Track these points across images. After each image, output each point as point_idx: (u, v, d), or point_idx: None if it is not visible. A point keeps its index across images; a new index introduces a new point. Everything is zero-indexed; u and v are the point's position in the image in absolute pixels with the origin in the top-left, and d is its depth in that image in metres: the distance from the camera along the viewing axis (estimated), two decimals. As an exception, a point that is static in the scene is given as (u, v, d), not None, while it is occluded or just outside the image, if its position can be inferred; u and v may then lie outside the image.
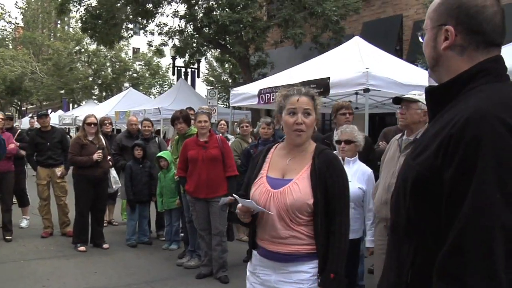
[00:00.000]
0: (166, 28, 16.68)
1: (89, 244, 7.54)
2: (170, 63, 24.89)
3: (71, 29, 35.41)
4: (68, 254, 7.18)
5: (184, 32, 16.17)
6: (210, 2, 15.21)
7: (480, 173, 1.25)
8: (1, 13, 39.13)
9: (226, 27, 13.84)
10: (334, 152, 4.38)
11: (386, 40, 13.38)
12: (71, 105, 35.97)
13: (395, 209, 1.59)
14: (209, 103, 14.07)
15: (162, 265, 6.76)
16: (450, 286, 1.28)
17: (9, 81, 36.64)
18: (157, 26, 16.80)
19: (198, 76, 24.46)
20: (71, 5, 17.43)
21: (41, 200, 8.33)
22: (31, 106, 49.47)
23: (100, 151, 7.40)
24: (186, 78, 21.13)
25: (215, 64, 30.29)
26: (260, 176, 2.76)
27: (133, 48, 36.71)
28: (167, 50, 19.11)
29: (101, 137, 7.74)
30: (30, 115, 27.90)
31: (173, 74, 23.23)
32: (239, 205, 2.65)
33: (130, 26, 18.19)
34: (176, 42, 17.00)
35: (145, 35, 17.64)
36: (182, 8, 16.15)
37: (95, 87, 34.38)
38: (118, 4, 16.21)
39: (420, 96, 3.90)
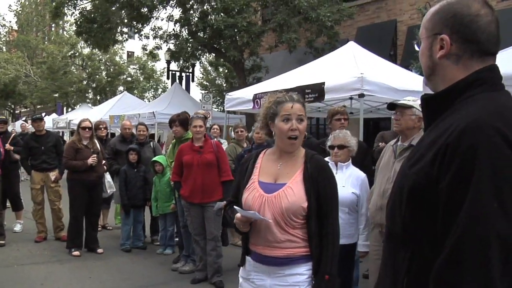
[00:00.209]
0: (160, 32, 16.68)
1: (84, 248, 7.50)
2: (164, 67, 24.88)
3: (65, 33, 35.34)
4: (62, 259, 7.15)
5: (179, 36, 16.18)
6: (205, 7, 15.22)
7: (476, 182, 1.26)
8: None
9: (221, 32, 13.86)
10: (327, 158, 4.43)
11: (380, 45, 13.43)
12: (65, 108, 35.86)
13: (390, 217, 1.60)
14: (203, 107, 14.07)
15: (157, 270, 6.75)
16: None
17: (3, 84, 36.48)
18: (152, 30, 16.80)
19: (193, 80, 24.45)
20: (65, 8, 17.40)
21: (35, 204, 8.29)
22: (25, 110, 49.28)
23: (95, 155, 7.37)
24: (180, 82, 21.11)
25: (209, 68, 30.29)
26: (252, 182, 2.78)
27: (127, 51, 36.68)
28: (162, 54, 19.10)
29: (96, 141, 7.72)
30: (23, 118, 27.77)
31: (168, 78, 23.21)
32: (238, 215, 2.67)
33: (125, 30, 18.17)
34: (171, 46, 17.01)
35: (140, 39, 17.61)
36: (177, 13, 16.18)
37: (90, 91, 34.32)
38: (113, 8, 16.19)
39: (414, 102, 3.92)
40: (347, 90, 7.38)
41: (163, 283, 6.22)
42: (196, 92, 27.81)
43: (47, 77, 32.82)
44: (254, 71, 16.65)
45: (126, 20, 16.76)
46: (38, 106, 41.44)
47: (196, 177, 5.99)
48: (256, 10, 15.21)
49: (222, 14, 14.28)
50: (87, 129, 7.51)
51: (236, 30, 13.96)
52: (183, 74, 22.46)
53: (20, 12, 40.66)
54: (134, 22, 16.64)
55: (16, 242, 8.04)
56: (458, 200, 1.28)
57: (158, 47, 17.38)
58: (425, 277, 1.36)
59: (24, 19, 40.39)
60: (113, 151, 8.36)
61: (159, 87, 36.78)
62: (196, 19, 15.20)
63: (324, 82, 7.60)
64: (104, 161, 7.70)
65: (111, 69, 33.47)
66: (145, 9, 16.04)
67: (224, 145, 8.21)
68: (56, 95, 33.74)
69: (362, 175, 4.43)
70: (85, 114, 19.38)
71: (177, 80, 21.35)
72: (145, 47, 18.64)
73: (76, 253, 7.28)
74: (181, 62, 17.96)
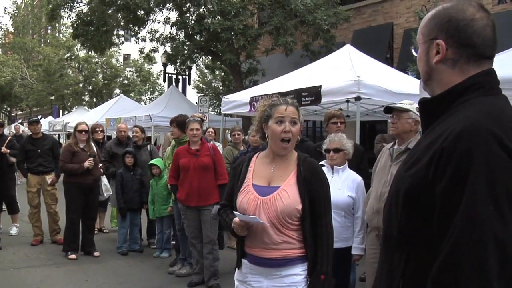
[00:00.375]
0: (157, 35, 16.67)
1: (80, 252, 7.49)
2: (161, 70, 24.89)
3: (61, 36, 35.28)
4: (58, 262, 7.13)
5: (175, 39, 16.17)
6: (202, 10, 15.22)
7: (472, 185, 1.27)
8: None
9: (218, 35, 13.86)
10: (324, 161, 4.44)
11: (376, 48, 13.46)
12: (61, 111, 35.78)
13: (387, 220, 1.61)
14: (200, 110, 14.06)
15: (154, 273, 6.74)
16: None
17: (-1, 87, 36.43)
18: (148, 32, 16.79)
19: (189, 83, 24.43)
20: (62, 11, 17.39)
21: (31, 207, 8.27)
22: (21, 112, 49.16)
23: (91, 158, 7.36)
24: (177, 85, 21.09)
25: (205, 71, 30.29)
26: (246, 185, 2.82)
27: (124, 54, 36.64)
28: (158, 57, 19.08)
29: (92, 144, 7.71)
30: (19, 121, 27.66)
31: (164, 81, 23.19)
32: (236, 219, 2.71)
33: (121, 32, 18.15)
34: (167, 49, 16.99)
35: (136, 42, 17.59)
36: (173, 15, 16.17)
37: (86, 93, 34.22)
38: (110, 11, 16.17)
39: (411, 105, 3.94)
40: (343, 93, 7.39)
41: (159, 286, 6.21)
42: (192, 95, 27.78)
43: (43, 80, 32.72)
44: (251, 74, 16.66)
45: (122, 23, 16.73)
46: (34, 109, 41.36)
47: (192, 181, 5.99)
48: (252, 13, 15.22)
49: (218, 17, 14.28)
50: (83, 132, 7.50)
51: (232, 33, 13.96)
52: (180, 77, 22.45)
53: (15, 14, 40.54)
54: (131, 25, 16.62)
55: (12, 245, 8.01)
56: (454, 203, 1.29)
57: (155, 50, 17.36)
58: (420, 280, 1.37)
59: (20, 22, 40.28)
60: (109, 154, 8.36)
61: (155, 90, 36.74)
62: (192, 22, 15.20)
63: (320, 85, 7.62)
64: (100, 164, 7.69)
65: (108, 72, 33.41)
66: (142, 12, 16.03)
67: (219, 148, 8.20)
68: (52, 97, 33.68)
69: (358, 178, 4.43)
70: (81, 116, 19.35)
71: (174, 83, 21.33)
72: (142, 50, 18.62)
73: (73, 256, 7.26)
74: (177, 64, 17.94)
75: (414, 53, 1.65)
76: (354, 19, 14.91)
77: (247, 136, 8.15)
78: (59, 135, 25.11)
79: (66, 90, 32.75)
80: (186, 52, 15.71)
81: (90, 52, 22.82)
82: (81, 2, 16.98)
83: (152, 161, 7.43)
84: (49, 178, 8.19)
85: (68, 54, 31.80)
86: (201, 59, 20.18)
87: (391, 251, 1.55)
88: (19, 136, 15.39)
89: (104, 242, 8.39)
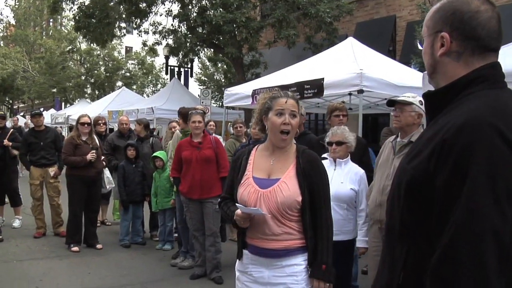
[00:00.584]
0: (160, 27, 16.65)
1: (83, 244, 7.52)
2: (163, 63, 24.85)
3: (63, 28, 35.23)
4: (61, 254, 7.16)
5: (178, 32, 16.14)
6: (204, 2, 15.19)
7: (472, 178, 1.27)
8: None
9: (220, 27, 13.84)
10: (326, 154, 4.43)
11: (379, 40, 13.42)
12: (63, 104, 35.79)
13: (390, 212, 1.61)
14: (202, 102, 14.06)
15: (156, 265, 6.76)
16: None
17: (1, 79, 36.43)
18: (151, 25, 16.76)
19: (192, 76, 24.41)
20: (64, 3, 17.36)
21: (34, 200, 8.29)
22: (23, 105, 49.20)
23: (94, 151, 7.37)
24: (179, 78, 21.09)
25: (208, 63, 30.24)
26: (246, 177, 2.86)
27: (126, 47, 36.60)
28: (160, 50, 19.07)
29: (95, 137, 7.71)
30: (21, 113, 27.68)
31: (166, 73, 23.17)
32: (238, 211, 2.75)
33: (123, 25, 18.13)
34: (170, 41, 16.97)
35: (139, 34, 17.57)
36: (175, 8, 16.13)
37: (88, 86, 34.24)
38: (112, 3, 16.15)
39: (414, 98, 3.92)
40: (346, 86, 7.38)
41: (162, 279, 6.23)
42: (194, 88, 27.77)
43: (45, 72, 32.74)
44: (253, 66, 16.63)
45: (124, 15, 16.71)
46: (36, 102, 41.37)
47: (194, 173, 6.00)
48: (255, 5, 15.18)
49: (221, 9, 14.26)
50: (86, 125, 7.50)
51: (234, 26, 13.93)
52: (182, 70, 22.43)
53: (17, 7, 40.46)
54: (133, 17, 16.61)
55: (15, 237, 8.04)
56: (453, 196, 1.29)
57: (158, 43, 17.33)
58: (421, 272, 1.37)
59: (22, 14, 40.21)
60: (111, 147, 8.37)
61: (158, 82, 36.72)
62: (194, 14, 15.17)
63: (323, 78, 7.60)
64: (103, 157, 7.70)
65: (110, 65, 33.40)
66: (144, 4, 16.02)
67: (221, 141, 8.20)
68: (54, 90, 33.67)
69: (360, 171, 4.43)
70: (83, 109, 19.38)
71: (176, 76, 21.32)
72: (145, 42, 18.60)
73: (75, 248, 7.28)
74: (179, 57, 17.93)
75: (420, 47, 1.65)
76: (357, 11, 14.86)
77: (249, 128, 8.15)
78: (61, 127, 25.11)
79: (68, 82, 32.78)
80: (188, 44, 15.69)
81: (92, 45, 22.81)
82: (83, -5, 16.97)
83: (155, 154, 7.44)
84: (52, 170, 8.20)
85: (70, 47, 31.77)
86: (203, 52, 20.15)
87: (393, 243, 1.55)
88: (18, 128, 15.43)
89: (107, 234, 8.41)
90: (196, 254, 6.33)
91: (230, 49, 14.28)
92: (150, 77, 36.33)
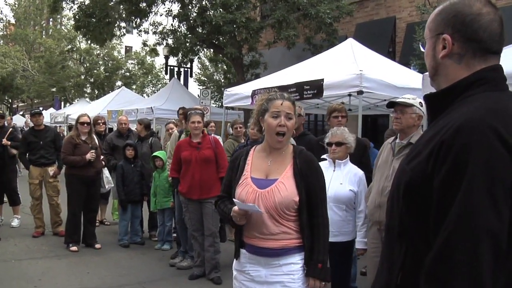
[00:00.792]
0: (160, 28, 16.65)
1: (81, 244, 7.51)
2: (163, 63, 24.87)
3: (63, 28, 35.22)
4: (60, 254, 7.15)
5: (177, 32, 16.14)
6: (204, 2, 15.18)
7: (469, 179, 1.27)
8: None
9: (220, 27, 13.83)
10: (325, 155, 4.44)
11: (379, 42, 13.42)
12: (62, 103, 35.78)
13: (389, 213, 1.62)
14: (201, 103, 14.06)
15: (155, 265, 6.76)
16: None
17: (1, 78, 36.41)
18: (150, 25, 16.76)
19: (191, 76, 24.42)
20: (64, 2, 17.36)
21: (33, 199, 8.27)
22: (22, 104, 49.17)
23: (93, 150, 7.36)
24: (178, 78, 21.09)
25: (207, 63, 30.26)
26: (244, 177, 2.90)
27: (125, 46, 36.60)
28: (160, 50, 19.08)
29: (94, 136, 7.70)
30: (20, 113, 27.66)
31: (166, 73, 23.16)
32: (235, 208, 2.79)
33: (123, 24, 18.12)
34: (169, 41, 16.97)
35: (138, 34, 17.57)
36: (175, 8, 16.14)
37: (87, 85, 34.24)
38: (111, 3, 16.15)
39: (414, 100, 3.92)
40: (346, 87, 7.38)
41: (161, 279, 6.23)
42: (194, 88, 27.78)
43: (44, 72, 32.75)
44: (253, 67, 16.63)
45: (124, 15, 16.71)
46: (36, 101, 41.38)
47: (194, 173, 6.00)
48: (255, 6, 15.18)
49: (220, 9, 14.25)
50: (85, 124, 7.49)
51: (234, 26, 13.92)
52: (181, 70, 22.43)
53: (16, 5, 40.42)
54: (133, 17, 16.61)
55: (13, 237, 8.03)
56: (450, 196, 1.30)
57: (159, 43, 17.33)
58: (419, 272, 1.38)
59: (21, 13, 40.18)
60: (110, 146, 8.38)
61: (159, 83, 36.71)
62: (194, 14, 15.16)
63: (323, 79, 7.60)
64: (102, 157, 7.70)
65: (109, 64, 33.40)
66: (144, 4, 16.01)
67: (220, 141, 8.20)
68: (54, 89, 33.69)
69: (359, 172, 4.43)
70: (83, 108, 19.38)
71: (175, 76, 21.32)
72: (146, 42, 18.59)
73: (74, 248, 7.28)
74: (179, 57, 17.92)
75: (422, 49, 1.65)
76: (357, 12, 14.86)
77: (247, 129, 8.16)
78: (60, 126, 25.11)
79: (67, 82, 32.78)
80: (188, 44, 15.69)
81: (92, 44, 22.79)
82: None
83: (155, 153, 7.45)
84: (51, 170, 8.19)
85: (70, 46, 31.77)
86: (202, 52, 20.15)
87: (392, 244, 1.56)
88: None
89: (106, 234, 8.41)
90: (195, 254, 6.32)
91: (230, 49, 14.28)
92: (150, 77, 36.32)
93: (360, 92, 7.15)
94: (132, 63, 35.37)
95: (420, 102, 3.88)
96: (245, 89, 9.82)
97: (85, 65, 33.36)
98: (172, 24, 16.30)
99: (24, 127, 17.50)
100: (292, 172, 2.84)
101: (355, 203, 4.34)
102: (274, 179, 2.84)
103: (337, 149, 4.37)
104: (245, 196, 2.81)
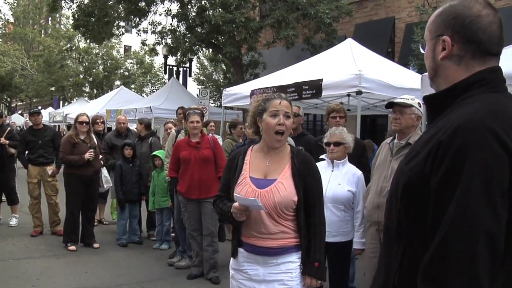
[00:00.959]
0: (159, 27, 16.65)
1: (80, 243, 7.50)
2: (162, 62, 24.89)
3: (62, 27, 35.19)
4: (58, 253, 7.14)
5: (176, 31, 16.14)
6: (203, 2, 15.18)
7: (466, 179, 1.27)
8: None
9: (219, 27, 13.83)
10: (324, 155, 4.44)
11: (378, 42, 13.42)
12: (61, 102, 35.75)
13: (388, 213, 1.62)
14: (200, 102, 14.06)
15: (153, 265, 6.75)
16: None
17: (-1, 77, 36.37)
18: (150, 24, 16.76)
19: (190, 75, 24.41)
20: (63, 1, 17.35)
21: (32, 198, 8.27)
22: (21, 103, 49.11)
23: (92, 150, 7.35)
24: (177, 77, 21.08)
25: (206, 63, 30.26)
26: (243, 177, 2.92)
27: (124, 46, 36.58)
28: (159, 49, 19.09)
29: (93, 136, 7.70)
30: (19, 112, 27.63)
31: (165, 73, 23.16)
32: (236, 204, 2.79)
33: (122, 24, 18.12)
34: (168, 41, 16.97)
35: (138, 34, 17.56)
36: (174, 7, 16.14)
37: (86, 85, 34.21)
38: (111, 2, 16.14)
39: (413, 100, 3.93)
40: (345, 87, 7.38)
41: (159, 278, 6.22)
42: (193, 87, 27.78)
43: (43, 71, 32.71)
44: (252, 67, 16.64)
45: (123, 14, 16.70)
46: (34, 100, 41.33)
47: (193, 173, 6.00)
48: (254, 6, 15.17)
49: (220, 9, 14.24)
50: (84, 124, 7.48)
51: (234, 26, 13.92)
52: (180, 69, 22.42)
53: (15, 4, 40.36)
54: (132, 16, 16.60)
55: (12, 236, 8.02)
56: (447, 196, 1.30)
57: (158, 43, 17.32)
58: (415, 272, 1.38)
59: (21, 12, 40.13)
60: (108, 146, 8.38)
61: (157, 82, 36.69)
62: (193, 14, 15.16)
63: (322, 79, 7.61)
64: (100, 156, 7.69)
65: (108, 63, 33.37)
66: (143, 4, 16.01)
67: (219, 141, 8.20)
68: (53, 88, 33.65)
69: (358, 172, 4.43)
70: (81, 108, 19.36)
71: (174, 75, 21.32)
72: (145, 42, 18.59)
73: (72, 247, 7.27)
74: (178, 56, 17.92)
75: (422, 50, 1.66)
76: (356, 12, 14.86)
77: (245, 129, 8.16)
78: (59, 126, 25.10)
79: (66, 81, 32.74)
80: (187, 44, 15.69)
81: (91, 44, 22.77)
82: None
83: (155, 153, 7.45)
84: (50, 169, 8.18)
85: (69, 45, 31.74)
86: (201, 52, 20.13)
87: (390, 244, 1.57)
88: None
89: (104, 233, 8.40)
90: (193, 254, 6.32)
91: (229, 49, 14.28)
92: (148, 77, 36.30)
93: (359, 92, 7.15)
94: (131, 63, 35.35)
95: (419, 103, 3.89)
96: (244, 89, 9.82)
97: (84, 64, 33.31)
98: (171, 24, 16.31)
99: (24, 127, 17.47)
100: (291, 172, 2.87)
101: (353, 203, 4.35)
102: (273, 179, 2.86)
103: (336, 149, 4.37)
104: (244, 195, 2.82)
